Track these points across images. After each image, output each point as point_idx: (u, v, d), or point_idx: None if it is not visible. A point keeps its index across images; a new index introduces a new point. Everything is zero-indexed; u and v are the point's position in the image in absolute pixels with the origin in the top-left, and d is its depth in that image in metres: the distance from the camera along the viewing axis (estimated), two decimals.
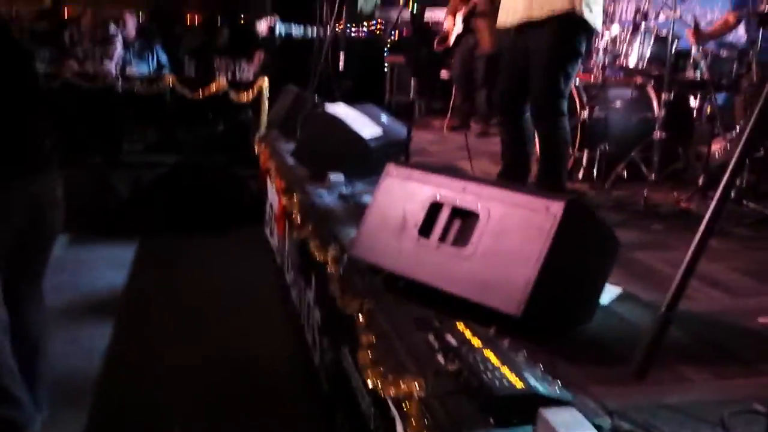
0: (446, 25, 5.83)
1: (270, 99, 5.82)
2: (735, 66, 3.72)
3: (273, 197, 4.18)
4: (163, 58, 6.73)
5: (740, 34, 4.22)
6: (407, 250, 1.98)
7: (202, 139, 5.56)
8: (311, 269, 2.86)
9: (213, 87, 5.89)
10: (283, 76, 5.80)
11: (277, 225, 3.97)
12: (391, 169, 2.18)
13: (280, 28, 7.49)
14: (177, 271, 4.28)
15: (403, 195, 2.08)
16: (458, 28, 5.66)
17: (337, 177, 3.29)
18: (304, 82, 4.91)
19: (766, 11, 3.44)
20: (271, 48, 7.12)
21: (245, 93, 5.92)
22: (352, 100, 4.02)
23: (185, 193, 5.09)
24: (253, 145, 5.11)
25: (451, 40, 5.73)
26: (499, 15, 3.13)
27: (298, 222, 2.96)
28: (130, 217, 4.95)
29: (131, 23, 6.73)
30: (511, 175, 3.20)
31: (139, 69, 6.45)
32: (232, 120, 5.77)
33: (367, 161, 3.38)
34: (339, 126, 3.56)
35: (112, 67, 6.33)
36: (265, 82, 5.95)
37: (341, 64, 5.42)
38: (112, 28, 6.57)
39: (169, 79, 5.90)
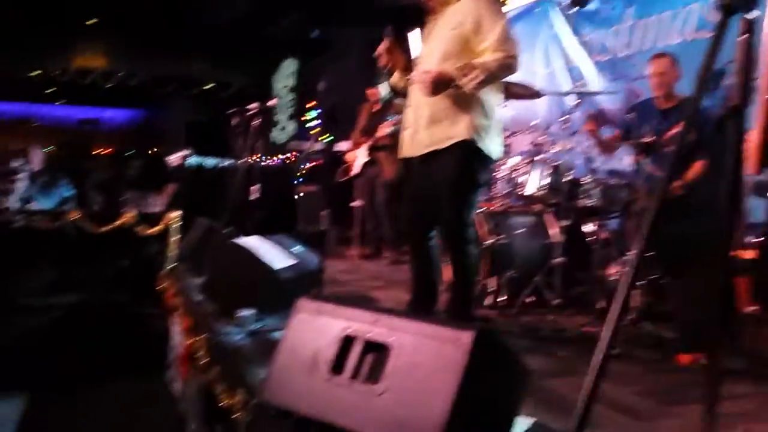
0: (349, 157, 6.05)
1: (181, 232, 5.72)
2: (625, 193, 4.00)
3: (177, 337, 3.97)
4: (69, 192, 6.58)
5: (627, 162, 4.58)
6: (319, 390, 1.91)
7: (104, 276, 5.31)
8: (217, 417, 2.69)
9: (119, 221, 5.73)
10: (194, 208, 5.75)
11: (180, 368, 3.72)
12: (302, 304, 2.15)
13: (192, 160, 7.54)
14: (70, 426, 3.92)
15: (314, 331, 2.04)
16: (362, 159, 5.88)
17: (247, 312, 3.19)
18: (216, 213, 4.87)
19: (647, 141, 3.74)
20: (182, 180, 7.12)
21: (153, 226, 5.79)
22: (264, 231, 4.00)
23: (81, 338, 4.73)
24: (158, 281, 4.92)
25: (354, 169, 5.93)
26: (401, 148, 3.26)
27: (204, 364, 2.81)
28: (15, 371, 4.42)
29: (37, 157, 6.59)
30: (421, 304, 3.23)
31: (42, 204, 6.25)
32: (138, 255, 5.58)
33: (279, 294, 3.31)
34: (249, 258, 3.51)
35: (13, 202, 6.11)
36: (175, 214, 5.86)
37: (255, 194, 5.46)
38: (17, 161, 6.42)
39: (73, 214, 5.71)
